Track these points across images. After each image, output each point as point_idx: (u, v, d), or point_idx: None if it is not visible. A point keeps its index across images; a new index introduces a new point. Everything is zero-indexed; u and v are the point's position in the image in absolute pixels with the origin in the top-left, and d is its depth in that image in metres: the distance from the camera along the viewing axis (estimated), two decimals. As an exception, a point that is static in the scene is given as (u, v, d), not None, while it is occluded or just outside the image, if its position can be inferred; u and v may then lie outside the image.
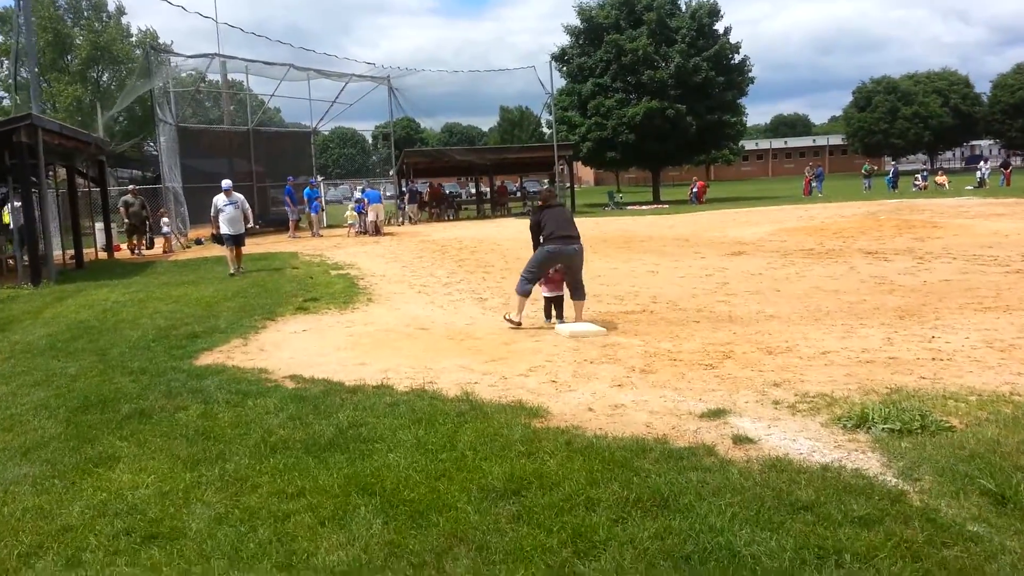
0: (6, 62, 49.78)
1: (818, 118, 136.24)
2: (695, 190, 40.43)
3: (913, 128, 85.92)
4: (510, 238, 20.78)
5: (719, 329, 7.54)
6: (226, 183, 14.41)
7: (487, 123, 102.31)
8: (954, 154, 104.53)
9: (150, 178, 30.76)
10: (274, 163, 28.15)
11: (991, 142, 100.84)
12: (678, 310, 8.75)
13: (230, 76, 28.36)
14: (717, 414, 4.62)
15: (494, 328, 8.09)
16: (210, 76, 27.76)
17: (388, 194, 36.14)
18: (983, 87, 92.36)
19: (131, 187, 22.75)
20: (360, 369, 6.29)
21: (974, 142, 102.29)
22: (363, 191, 24.39)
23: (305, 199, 24.52)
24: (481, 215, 35.15)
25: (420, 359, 6.63)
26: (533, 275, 8.15)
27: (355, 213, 24.64)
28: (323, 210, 26.56)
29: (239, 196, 14.50)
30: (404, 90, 30.44)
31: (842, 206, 27.92)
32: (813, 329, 7.32)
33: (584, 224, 26.24)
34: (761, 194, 46.92)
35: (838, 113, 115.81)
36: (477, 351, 6.90)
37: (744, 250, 14.85)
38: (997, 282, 9.50)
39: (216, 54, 24.03)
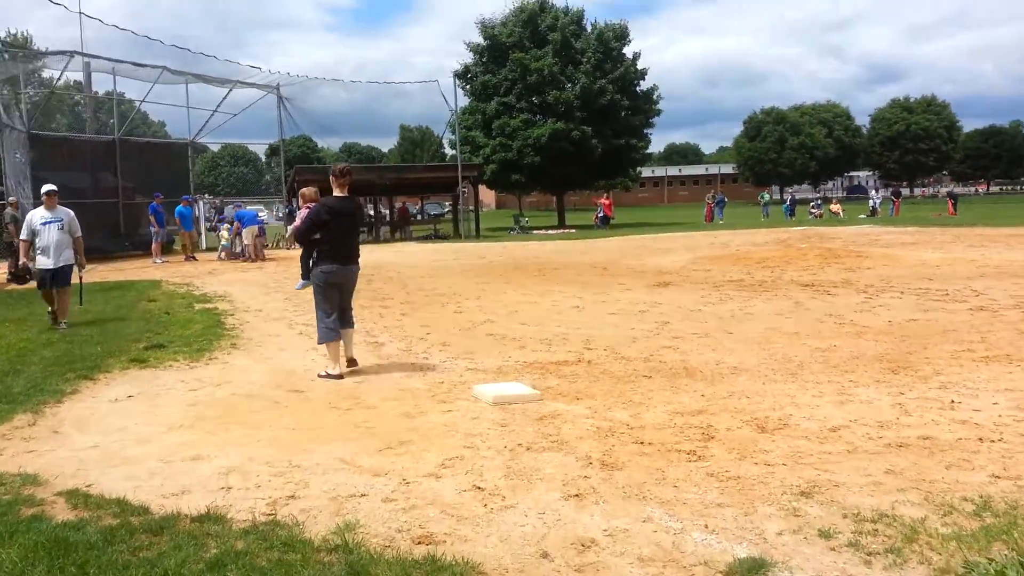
0: None
1: (708, 148, 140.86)
2: (600, 213, 39.42)
3: (800, 158, 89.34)
4: (412, 265, 18.88)
5: (680, 388, 5.93)
6: (47, 187, 9.88)
7: (387, 144, 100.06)
8: (835, 184, 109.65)
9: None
10: (145, 178, 25.09)
11: (869, 173, 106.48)
12: (620, 359, 7.12)
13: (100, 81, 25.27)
14: (752, 568, 2.92)
15: (393, 388, 6.22)
16: (74, 78, 24.69)
17: (280, 215, 33.53)
18: (861, 120, 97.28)
19: (11, 199, 19.27)
20: (190, 471, 4.28)
21: (853, 173, 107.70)
22: (236, 212, 21.83)
23: (177, 219, 21.78)
24: (380, 239, 32.99)
25: (285, 447, 4.68)
26: (329, 311, 6.70)
27: (227, 235, 22.13)
28: (199, 232, 23.70)
29: (66, 212, 9.85)
30: (298, 105, 28.15)
31: (749, 233, 27.45)
32: (796, 389, 5.82)
33: (492, 249, 24.73)
34: (663, 220, 46.79)
35: (726, 143, 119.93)
36: (368, 430, 5.01)
37: (670, 280, 13.51)
38: (970, 322, 8.37)
39: (75, 52, 21.08)
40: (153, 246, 21.80)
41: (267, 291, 13.94)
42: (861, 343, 7.50)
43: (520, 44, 38.77)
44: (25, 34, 32.07)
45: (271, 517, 3.49)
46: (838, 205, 46.94)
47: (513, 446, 4.56)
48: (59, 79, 23.56)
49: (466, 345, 8.08)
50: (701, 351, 7.39)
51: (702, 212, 43.37)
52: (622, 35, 39.99)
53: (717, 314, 9.57)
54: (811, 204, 46.50)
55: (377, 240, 32.40)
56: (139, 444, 4.83)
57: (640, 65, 40.10)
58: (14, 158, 20.18)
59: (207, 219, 29.58)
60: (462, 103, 39.75)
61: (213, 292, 13.94)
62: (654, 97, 40.93)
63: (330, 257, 6.67)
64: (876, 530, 3.18)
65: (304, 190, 8.02)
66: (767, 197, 49.54)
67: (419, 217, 38.01)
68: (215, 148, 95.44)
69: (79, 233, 10.04)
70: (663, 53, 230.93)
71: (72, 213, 10.05)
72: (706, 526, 3.32)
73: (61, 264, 9.77)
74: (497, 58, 39.69)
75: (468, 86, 40.57)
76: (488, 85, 39.42)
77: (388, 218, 35.77)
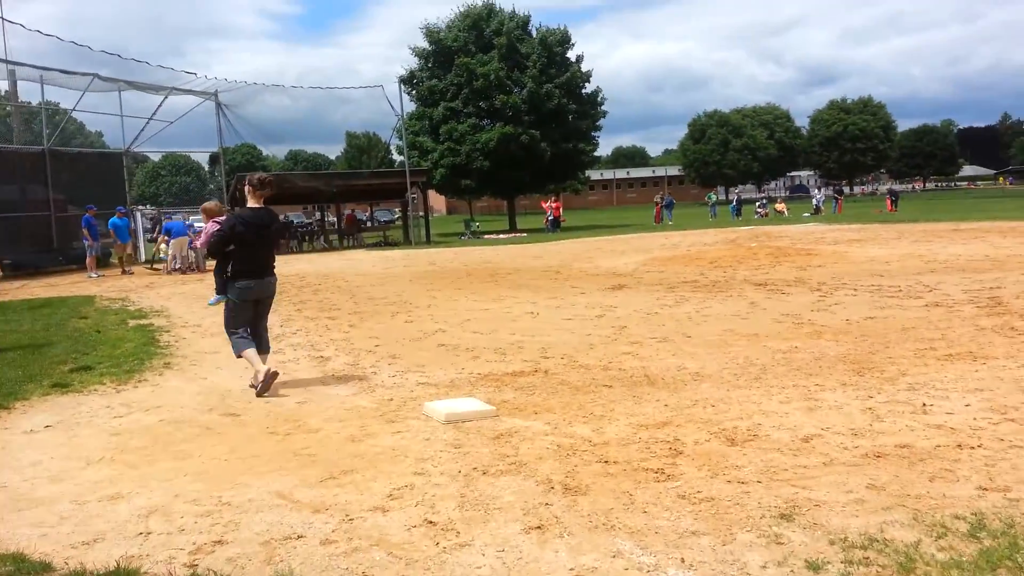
0: None
1: (653, 151, 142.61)
2: (550, 216, 39.05)
3: (743, 159, 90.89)
4: (360, 273, 18.36)
5: (642, 398, 5.65)
6: None
7: (334, 151, 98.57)
8: (778, 184, 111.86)
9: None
10: (78, 189, 23.95)
11: (810, 173, 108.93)
12: (579, 367, 6.82)
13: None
14: (739, 611, 2.60)
15: (338, 408, 5.80)
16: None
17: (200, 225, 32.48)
18: (800, 122, 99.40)
19: None
20: (106, 513, 3.81)
21: (795, 172, 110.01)
22: (164, 223, 20.96)
23: (111, 231, 20.84)
24: (328, 247, 32.24)
25: (216, 480, 4.24)
26: (239, 324, 6.49)
27: (165, 248, 21.32)
28: (136, 244, 22.71)
29: None
30: (239, 112, 27.29)
31: (699, 233, 27.56)
32: (761, 395, 5.59)
33: (443, 255, 24.31)
34: (612, 222, 46.92)
35: (671, 146, 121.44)
36: (309, 457, 4.59)
37: (624, 283, 13.30)
38: (928, 319, 8.30)
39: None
40: (88, 260, 20.82)
41: (205, 305, 13.29)
42: (822, 344, 7.33)
43: (466, 49, 38.50)
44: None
45: (192, 570, 3.06)
46: (783, 204, 47.73)
47: (468, 470, 4.20)
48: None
49: (417, 357, 7.69)
50: (661, 356, 7.13)
51: (651, 213, 43.57)
52: (564, 40, 40.02)
53: (674, 316, 9.35)
54: (757, 204, 47.15)
55: (327, 249, 31.69)
56: (52, 482, 4.32)
57: (584, 68, 40.18)
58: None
59: (145, 230, 28.48)
60: (409, 108, 39.28)
61: (150, 307, 13.27)
62: (599, 100, 41.03)
63: (245, 273, 6.36)
64: (867, 559, 2.90)
65: (207, 204, 7.57)
66: (714, 198, 50.17)
67: (368, 224, 37.33)
68: (155, 158, 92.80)
69: None
70: (608, 59, 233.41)
71: None
72: (682, 560, 3.01)
73: None
74: (443, 63, 39.35)
75: (414, 91, 40.13)
76: (435, 90, 39.04)
77: (336, 226, 35.04)
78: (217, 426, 5.42)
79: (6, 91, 28.93)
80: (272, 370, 6.42)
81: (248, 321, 6.51)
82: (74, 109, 24.19)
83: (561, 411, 5.41)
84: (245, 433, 5.21)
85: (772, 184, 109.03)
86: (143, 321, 11.36)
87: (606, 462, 4.24)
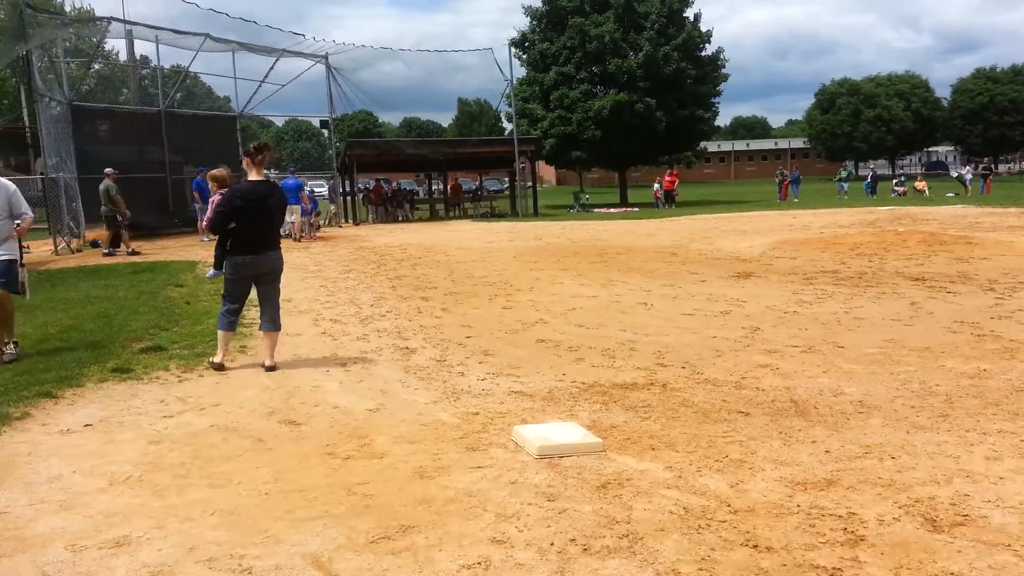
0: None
1: (775, 121, 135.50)
2: (662, 189, 36.74)
3: (876, 131, 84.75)
4: (463, 246, 17.54)
5: (792, 436, 4.41)
6: None
7: (447, 119, 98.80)
8: (912, 159, 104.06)
9: (18, 164, 26.74)
10: (193, 150, 24.21)
11: (950, 148, 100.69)
12: (705, 382, 5.61)
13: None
14: None
15: (413, 421, 4.86)
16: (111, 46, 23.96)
17: (319, 191, 32.55)
18: (941, 92, 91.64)
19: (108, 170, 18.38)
20: (98, 571, 2.98)
21: (932, 148, 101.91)
22: (282, 183, 20.54)
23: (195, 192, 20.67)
24: (435, 216, 31.81)
25: (245, 526, 3.35)
26: (231, 299, 6.34)
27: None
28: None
29: (3, 183, 6.65)
30: (352, 78, 26.90)
31: (831, 213, 25.23)
32: (955, 442, 4.24)
33: (550, 229, 23.09)
34: (731, 198, 44.39)
35: (794, 116, 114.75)
36: (364, 499, 3.64)
37: (751, 270, 11.82)
38: None
39: (112, 18, 20.21)
40: (199, 223, 20.92)
41: (304, 276, 12.78)
42: (1018, 366, 5.81)
43: (580, 9, 36.82)
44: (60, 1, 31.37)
45: None
46: (923, 182, 43.75)
47: (563, 543, 3.14)
48: (99, 46, 22.72)
49: (512, 355, 6.68)
50: (809, 372, 5.81)
51: (772, 189, 40.85)
52: (685, -3, 37.66)
53: (817, 318, 7.92)
54: (894, 181, 43.45)
55: (433, 217, 31.24)
56: (60, 511, 3.57)
57: (703, 27, 37.71)
58: (55, 129, 19.43)
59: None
60: (519, 74, 38.11)
61: (246, 276, 12.84)
62: (719, 62, 38.49)
63: (241, 247, 6.14)
64: None
65: (215, 171, 7.03)
66: (845, 173, 46.47)
67: (479, 193, 36.53)
68: (279, 123, 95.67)
69: (27, 213, 6.71)
70: (728, 23, 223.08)
71: (12, 187, 6.68)
72: None
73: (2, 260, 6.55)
74: (556, 24, 37.87)
75: (525, 55, 38.88)
76: (546, 54, 37.68)
77: (443, 194, 34.54)
78: (270, 438, 4.58)
79: (116, 52, 29.62)
80: (267, 364, 6.27)
81: (243, 296, 6.37)
82: (187, 69, 24.31)
83: (686, 448, 4.25)
84: (299, 452, 4.33)
85: (907, 160, 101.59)
86: (234, 292, 10.85)
87: (755, 547, 3.08)
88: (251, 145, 6.32)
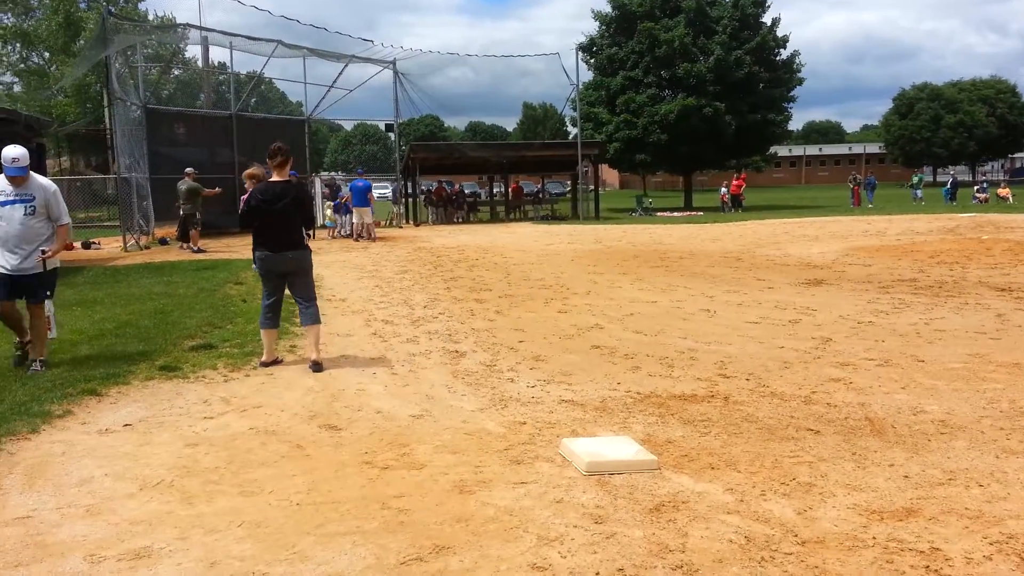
0: (18, 46, 46.60)
1: (850, 126, 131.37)
2: (727, 193, 35.57)
3: (957, 137, 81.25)
4: (521, 248, 17.32)
5: (866, 458, 4.02)
6: (11, 151, 5.81)
7: (512, 123, 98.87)
8: (994, 166, 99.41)
9: (98, 164, 27.60)
10: (263, 153, 24.61)
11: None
12: (771, 396, 5.23)
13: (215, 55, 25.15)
14: None
15: (457, 429, 4.63)
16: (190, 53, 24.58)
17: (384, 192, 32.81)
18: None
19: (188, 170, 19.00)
20: (109, 585, 2.84)
21: (1017, 154, 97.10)
22: (351, 184, 20.66)
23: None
24: (495, 218, 31.71)
25: (271, 541, 3.17)
26: (265, 294, 6.51)
27: (333, 214, 21.27)
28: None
29: (42, 186, 6.04)
30: (418, 83, 27.04)
31: (908, 219, 24.13)
32: (1056, 471, 3.79)
33: (611, 232, 22.68)
34: (801, 203, 42.98)
35: (869, 121, 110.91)
36: (399, 513, 3.42)
37: (822, 277, 11.25)
38: None
39: (189, 24, 20.72)
40: None
41: (360, 276, 12.77)
42: (1126, 388, 5.25)
43: (650, 13, 36.23)
44: (144, 9, 32.63)
45: None
46: (1007, 189, 41.61)
47: (610, 572, 2.85)
48: (177, 52, 23.34)
49: (564, 361, 6.40)
50: (885, 388, 5.37)
51: (845, 194, 39.40)
52: (760, 1, 36.63)
53: (895, 328, 7.40)
54: (975, 187, 41.46)
55: (493, 219, 31.15)
56: (86, 516, 3.45)
57: (779, 33, 36.66)
58: (129, 131, 20.02)
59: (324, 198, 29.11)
60: (586, 78, 37.72)
61: (304, 276, 12.89)
62: (795, 66, 37.33)
63: (260, 244, 6.35)
64: None
65: (249, 170, 7.08)
66: (917, 179, 44.51)
67: (540, 196, 36.29)
68: (348, 127, 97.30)
69: (64, 218, 6.18)
70: (804, 28, 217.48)
71: (53, 187, 6.18)
72: None
73: (29, 269, 5.97)
74: (625, 29, 37.34)
75: (593, 60, 38.48)
76: (614, 59, 37.19)
77: (504, 197, 34.40)
78: (309, 444, 4.41)
79: (193, 58, 30.36)
80: (274, 358, 6.39)
81: (273, 292, 6.44)
82: (260, 74, 24.84)
83: (748, 468, 3.91)
84: (336, 459, 4.14)
85: (988, 166, 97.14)
86: (291, 292, 10.86)
87: (826, 587, 2.74)
88: (270, 148, 6.44)
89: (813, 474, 3.83)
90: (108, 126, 20.96)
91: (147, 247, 19.00)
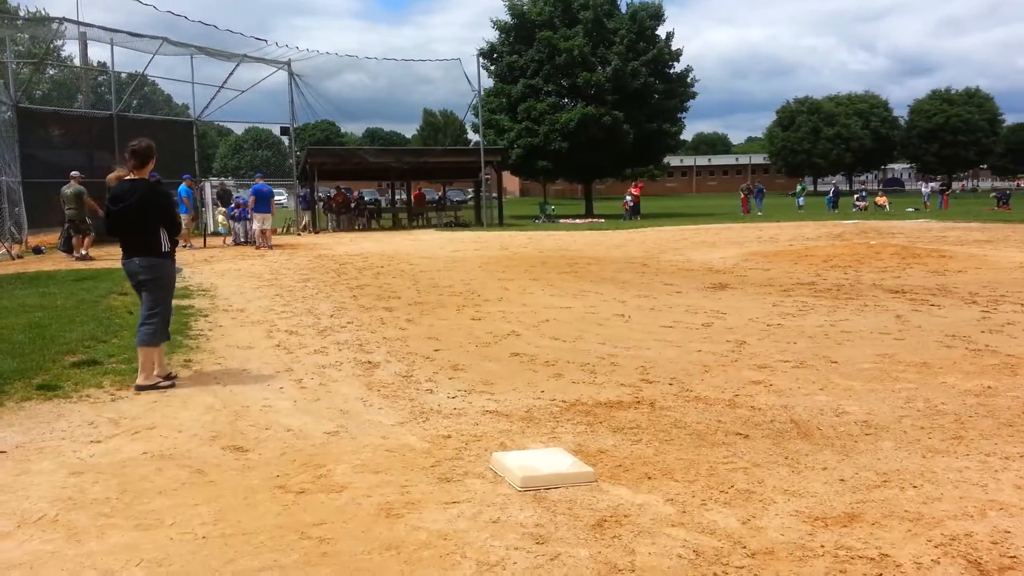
0: None
1: (735, 138, 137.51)
2: (631, 202, 36.44)
3: (835, 149, 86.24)
4: (427, 255, 17.00)
5: (799, 462, 3.98)
6: None
7: (411, 129, 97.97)
8: (869, 176, 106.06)
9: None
10: (148, 157, 23.28)
11: (906, 166, 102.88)
12: (696, 400, 5.17)
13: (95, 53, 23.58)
14: None
15: (378, 446, 4.32)
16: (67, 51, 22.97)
17: (279, 199, 31.70)
18: (898, 112, 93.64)
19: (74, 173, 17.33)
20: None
21: (890, 165, 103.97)
22: (254, 188, 19.68)
23: (184, 198, 19.95)
24: (397, 225, 31.18)
25: (174, 582, 2.79)
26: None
27: (228, 220, 20.30)
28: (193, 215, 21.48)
29: None
30: (315, 87, 26.25)
31: (796, 226, 25.27)
32: (978, 468, 3.85)
33: (516, 239, 22.64)
34: (694, 211, 44.48)
35: (754, 133, 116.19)
36: (320, 544, 3.10)
37: (726, 282, 11.49)
38: None
39: (65, 19, 19.32)
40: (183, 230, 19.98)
41: (259, 285, 12.14)
42: (1023, 382, 5.48)
43: (549, 23, 36.63)
44: (15, 3, 30.11)
45: None
46: (884, 198, 44.36)
47: (559, 598, 2.64)
48: (51, 49, 21.76)
49: (484, 370, 6.17)
50: (804, 390, 5.41)
51: (734, 202, 41.01)
52: (657, 15, 37.70)
53: (803, 331, 7.56)
54: (856, 196, 43.98)
55: (395, 227, 30.60)
56: (-53, 562, 2.96)
57: (673, 46, 37.82)
58: (0, 133, 18.49)
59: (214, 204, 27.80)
60: (487, 85, 37.72)
61: (198, 284, 12.18)
62: (688, 79, 38.60)
63: (121, 246, 5.90)
64: None
65: (112, 173, 6.39)
66: (801, 188, 46.79)
67: (443, 203, 36.00)
68: (238, 131, 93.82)
69: None
70: (691, 43, 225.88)
71: None
72: None
73: None
74: (524, 37, 37.62)
75: (493, 67, 38.54)
76: (514, 66, 37.38)
77: (406, 204, 33.91)
78: (212, 469, 4.00)
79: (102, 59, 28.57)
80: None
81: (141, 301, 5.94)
82: (143, 73, 23.48)
83: (685, 477, 3.79)
84: (245, 485, 3.76)
85: (864, 176, 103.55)
86: (184, 302, 10.18)
87: (784, 601, 2.61)
88: (127, 146, 5.96)
89: (750, 480, 3.75)
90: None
91: (20, 256, 17.54)
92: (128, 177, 5.83)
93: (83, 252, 16.19)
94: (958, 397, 5.15)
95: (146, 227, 5.77)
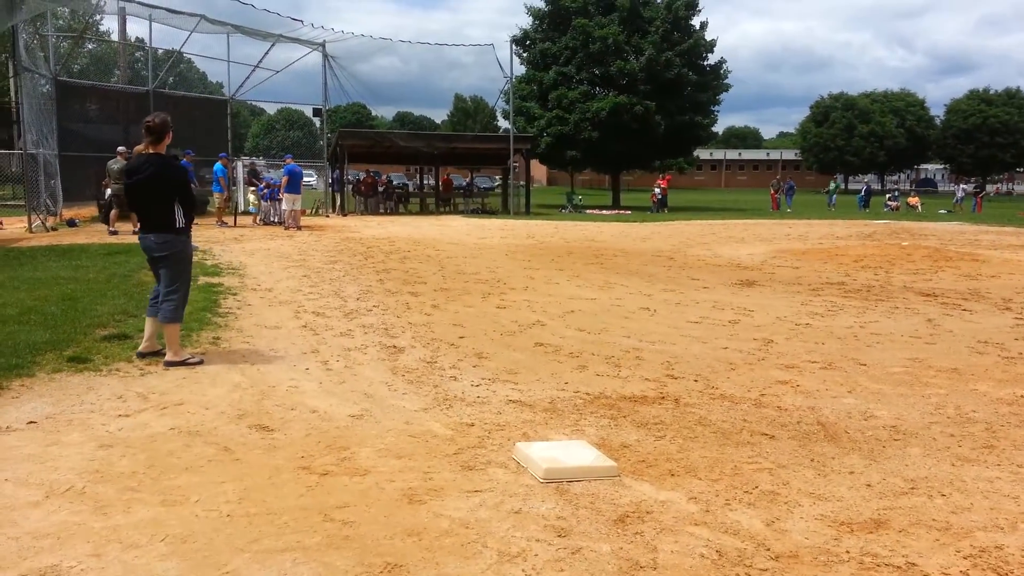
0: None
1: (767, 133, 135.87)
2: (659, 195, 36.09)
3: (869, 147, 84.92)
4: (453, 241, 17.01)
5: (826, 465, 3.93)
6: None
7: (441, 114, 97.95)
8: (901, 176, 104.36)
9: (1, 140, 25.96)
10: (182, 133, 23.47)
11: (940, 166, 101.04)
12: (721, 398, 5.13)
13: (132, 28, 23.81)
14: None
15: (401, 431, 4.34)
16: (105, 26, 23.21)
17: (308, 180, 31.88)
18: (934, 111, 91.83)
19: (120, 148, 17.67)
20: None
21: (923, 165, 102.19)
22: (287, 168, 19.78)
23: (220, 178, 20.12)
24: (425, 210, 31.24)
25: (198, 559, 2.83)
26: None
27: (259, 200, 20.42)
28: (227, 194, 21.65)
29: None
30: (348, 69, 26.32)
31: (826, 224, 24.94)
32: (1010, 479, 3.79)
33: (543, 228, 22.60)
34: (723, 205, 44.04)
35: (786, 128, 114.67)
36: (342, 526, 3.12)
37: (753, 279, 11.37)
38: None
39: (105, -7, 19.50)
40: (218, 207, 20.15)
41: (287, 265, 12.23)
42: (1058, 394, 5.37)
43: (584, 10, 36.34)
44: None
45: None
46: (916, 198, 43.64)
47: (580, 593, 2.63)
48: (90, 23, 21.98)
49: (508, 359, 6.17)
50: (832, 392, 5.34)
51: (764, 198, 40.56)
52: (692, 4, 37.21)
53: (832, 331, 7.46)
54: (887, 196, 43.29)
55: (423, 211, 30.67)
56: (-22, 530, 3.02)
57: (708, 37, 37.36)
58: (38, 105, 18.73)
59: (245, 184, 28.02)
60: (518, 72, 37.52)
61: (228, 263, 12.28)
62: (722, 71, 38.12)
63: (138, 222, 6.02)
64: None
65: (139, 146, 6.29)
66: (834, 186, 46.16)
67: (472, 189, 35.96)
68: (271, 111, 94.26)
69: None
70: (724, 34, 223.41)
71: None
72: None
73: None
74: (558, 24, 37.36)
75: (526, 54, 38.33)
76: (547, 53, 37.15)
77: (435, 189, 33.95)
78: (238, 447, 4.04)
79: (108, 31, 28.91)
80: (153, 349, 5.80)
81: (158, 277, 5.97)
82: (179, 50, 23.64)
83: (709, 475, 3.76)
84: (270, 464, 3.80)
85: (896, 176, 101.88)
86: (214, 279, 10.32)
87: (808, 606, 2.59)
88: (144, 120, 5.82)
89: (775, 482, 3.71)
90: (13, 98, 19.56)
91: (54, 228, 17.82)
92: (147, 151, 5.78)
93: (115, 228, 16.42)
94: (990, 405, 5.06)
95: (160, 201, 5.69)
